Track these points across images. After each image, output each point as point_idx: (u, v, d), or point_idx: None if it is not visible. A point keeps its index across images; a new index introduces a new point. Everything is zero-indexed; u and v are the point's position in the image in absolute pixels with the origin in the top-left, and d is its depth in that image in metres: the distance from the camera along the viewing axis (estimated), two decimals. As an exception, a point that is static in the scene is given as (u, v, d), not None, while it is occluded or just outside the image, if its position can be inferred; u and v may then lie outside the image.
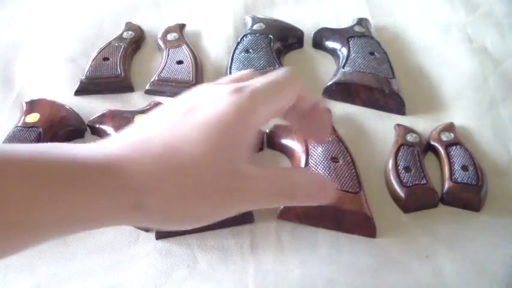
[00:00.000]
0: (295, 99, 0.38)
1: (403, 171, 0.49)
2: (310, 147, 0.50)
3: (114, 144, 0.34)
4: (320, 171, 0.48)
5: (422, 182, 0.48)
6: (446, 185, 0.49)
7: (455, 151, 0.51)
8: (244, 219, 0.47)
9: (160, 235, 0.47)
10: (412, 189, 0.47)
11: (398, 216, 0.48)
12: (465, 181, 0.48)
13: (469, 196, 0.48)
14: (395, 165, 0.49)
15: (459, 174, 0.49)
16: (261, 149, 0.54)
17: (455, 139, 0.52)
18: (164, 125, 0.34)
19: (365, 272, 0.44)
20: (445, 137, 0.52)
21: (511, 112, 0.57)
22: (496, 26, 0.67)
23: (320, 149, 0.50)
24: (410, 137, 0.52)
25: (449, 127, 0.53)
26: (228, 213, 0.35)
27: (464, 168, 0.49)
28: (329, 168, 0.48)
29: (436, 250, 0.45)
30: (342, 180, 0.47)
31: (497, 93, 0.59)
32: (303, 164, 0.49)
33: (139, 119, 0.39)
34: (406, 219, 0.47)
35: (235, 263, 0.45)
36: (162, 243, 0.46)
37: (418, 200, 0.46)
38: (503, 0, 0.70)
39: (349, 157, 0.49)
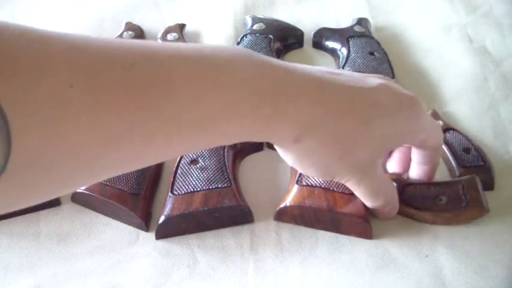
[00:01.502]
0: (429, 143, 0.44)
1: None
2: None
3: (306, 76, 0.38)
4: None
5: None
6: (457, 172, 0.49)
7: (451, 137, 0.51)
8: (244, 219, 0.47)
9: (160, 235, 0.47)
10: None
11: (398, 216, 0.48)
12: (474, 164, 0.49)
13: (481, 178, 0.48)
14: None
15: (465, 158, 0.49)
16: (260, 149, 0.54)
17: (446, 125, 0.53)
18: (351, 89, 0.39)
19: (365, 272, 0.44)
20: None
21: (511, 112, 0.57)
22: (496, 26, 0.67)
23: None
24: None
25: (435, 115, 0.54)
26: (342, 181, 0.42)
27: (466, 151, 0.50)
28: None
29: (436, 250, 0.45)
30: (339, 182, 0.47)
31: (497, 93, 0.59)
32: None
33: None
34: (406, 219, 0.47)
35: (235, 263, 0.45)
36: (162, 243, 0.46)
37: None
38: (503, 0, 0.70)
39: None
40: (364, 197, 0.44)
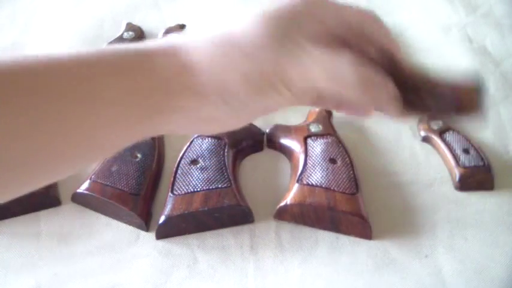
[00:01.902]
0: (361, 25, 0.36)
1: None
2: (309, 148, 0.50)
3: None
4: (318, 172, 0.48)
5: None
6: (457, 172, 0.49)
7: (450, 137, 0.52)
8: (244, 219, 0.47)
9: (161, 235, 0.47)
10: None
11: (398, 216, 0.48)
12: (473, 164, 0.49)
13: (482, 177, 0.48)
14: None
15: (464, 159, 0.50)
16: (260, 149, 0.54)
17: (445, 125, 0.53)
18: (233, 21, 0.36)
19: (365, 272, 0.44)
20: (435, 125, 0.53)
21: (510, 112, 0.57)
22: (496, 26, 0.67)
23: (319, 149, 0.50)
24: None
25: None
26: (273, 97, 0.32)
27: (466, 151, 0.50)
28: (327, 170, 0.48)
29: (436, 250, 0.45)
30: (339, 182, 0.47)
31: (497, 93, 0.59)
32: (301, 165, 0.49)
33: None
34: (406, 219, 0.47)
35: (235, 263, 0.45)
36: (162, 243, 0.46)
37: None
38: (503, 0, 0.70)
39: (347, 158, 0.49)
40: (333, 86, 0.34)
